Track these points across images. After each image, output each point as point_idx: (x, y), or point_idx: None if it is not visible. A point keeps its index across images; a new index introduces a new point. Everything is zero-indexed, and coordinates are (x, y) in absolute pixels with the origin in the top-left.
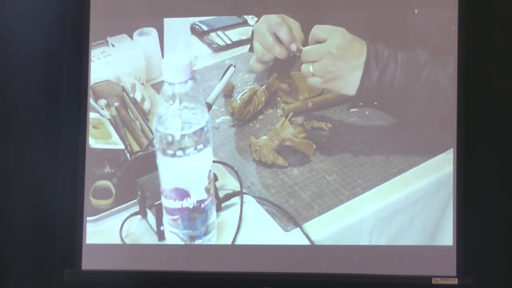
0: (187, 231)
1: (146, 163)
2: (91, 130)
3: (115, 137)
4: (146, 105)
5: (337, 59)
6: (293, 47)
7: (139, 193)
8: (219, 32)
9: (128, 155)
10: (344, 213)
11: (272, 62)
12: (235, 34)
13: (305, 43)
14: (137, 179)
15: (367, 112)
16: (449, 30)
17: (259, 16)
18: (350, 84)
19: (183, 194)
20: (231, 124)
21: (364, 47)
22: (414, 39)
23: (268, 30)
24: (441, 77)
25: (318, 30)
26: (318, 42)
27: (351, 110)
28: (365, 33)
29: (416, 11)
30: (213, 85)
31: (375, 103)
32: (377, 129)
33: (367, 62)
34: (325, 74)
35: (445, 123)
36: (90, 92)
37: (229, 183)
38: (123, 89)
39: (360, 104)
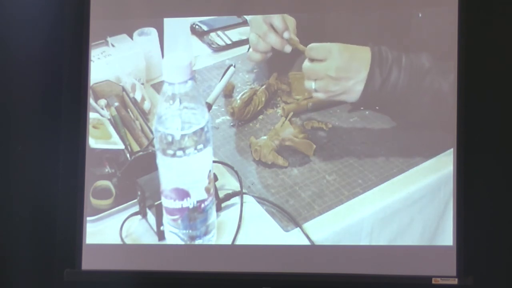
0: (187, 231)
1: (146, 163)
2: (91, 130)
3: (115, 137)
4: (146, 105)
5: (338, 80)
6: (286, 34)
7: (139, 193)
8: (219, 32)
9: (128, 155)
10: (344, 213)
11: (270, 53)
12: (235, 34)
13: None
14: (137, 179)
15: (367, 113)
16: (448, 28)
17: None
18: (354, 94)
19: (183, 194)
20: (231, 124)
21: (367, 56)
22: (417, 42)
23: (263, 20)
24: (444, 84)
25: (314, 51)
26: (316, 61)
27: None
28: (367, 35)
29: (420, 15)
30: (213, 85)
31: (377, 108)
32: (377, 129)
33: (371, 71)
34: (327, 91)
35: (445, 123)
36: (90, 92)
37: (229, 183)
38: (123, 89)
39: (362, 108)
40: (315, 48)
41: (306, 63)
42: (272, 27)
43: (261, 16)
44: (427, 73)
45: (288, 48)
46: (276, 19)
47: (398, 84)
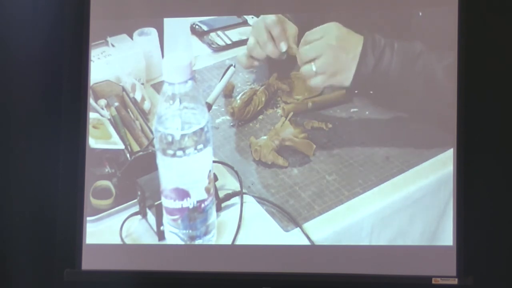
0: (187, 231)
1: (146, 163)
2: (91, 130)
3: (115, 137)
4: (146, 105)
5: (338, 50)
6: (283, 46)
7: (139, 193)
8: (219, 32)
9: (128, 155)
10: (344, 213)
11: (262, 62)
12: (235, 34)
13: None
14: (137, 179)
15: (367, 112)
16: (448, 28)
17: (259, 16)
18: (348, 74)
19: (183, 194)
20: (231, 124)
21: (360, 38)
22: (413, 35)
23: (264, 27)
24: (437, 69)
25: (310, 35)
26: (314, 40)
27: (352, 110)
28: (362, 27)
29: (420, 14)
30: (213, 85)
31: (371, 92)
32: (377, 129)
33: (363, 50)
34: (328, 69)
35: (445, 123)
36: (90, 92)
37: (229, 183)
38: (123, 89)
39: (356, 91)
40: (310, 32)
41: (304, 47)
42: (271, 36)
43: (263, 22)
44: (420, 56)
45: (284, 57)
46: (275, 29)
47: (391, 66)
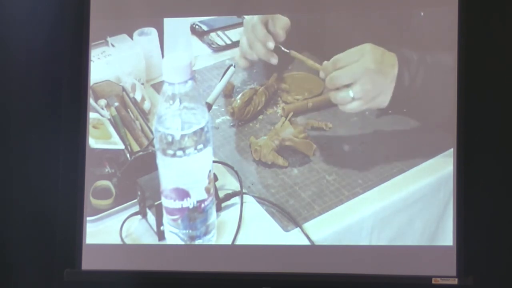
0: (187, 231)
1: (146, 163)
2: (91, 130)
3: (115, 137)
4: (146, 105)
5: (377, 74)
6: (270, 45)
7: (139, 193)
8: (219, 32)
9: (128, 155)
10: (344, 213)
11: (256, 63)
12: (235, 34)
13: (290, 41)
14: (137, 179)
15: (367, 112)
16: (448, 28)
17: None
18: (387, 97)
19: (183, 194)
20: (231, 124)
21: (394, 57)
22: (417, 42)
23: (251, 29)
24: (444, 83)
25: (344, 58)
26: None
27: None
28: (367, 35)
29: (422, 14)
30: (213, 85)
31: (404, 110)
32: (377, 129)
33: (400, 70)
34: (366, 94)
35: (445, 123)
36: (90, 92)
37: (229, 183)
38: (123, 89)
39: (390, 112)
40: (345, 54)
41: (334, 73)
42: (258, 36)
43: (250, 24)
44: (432, 72)
45: (274, 61)
46: (260, 30)
47: (423, 85)
